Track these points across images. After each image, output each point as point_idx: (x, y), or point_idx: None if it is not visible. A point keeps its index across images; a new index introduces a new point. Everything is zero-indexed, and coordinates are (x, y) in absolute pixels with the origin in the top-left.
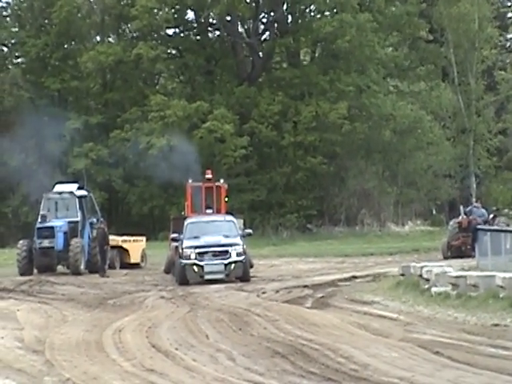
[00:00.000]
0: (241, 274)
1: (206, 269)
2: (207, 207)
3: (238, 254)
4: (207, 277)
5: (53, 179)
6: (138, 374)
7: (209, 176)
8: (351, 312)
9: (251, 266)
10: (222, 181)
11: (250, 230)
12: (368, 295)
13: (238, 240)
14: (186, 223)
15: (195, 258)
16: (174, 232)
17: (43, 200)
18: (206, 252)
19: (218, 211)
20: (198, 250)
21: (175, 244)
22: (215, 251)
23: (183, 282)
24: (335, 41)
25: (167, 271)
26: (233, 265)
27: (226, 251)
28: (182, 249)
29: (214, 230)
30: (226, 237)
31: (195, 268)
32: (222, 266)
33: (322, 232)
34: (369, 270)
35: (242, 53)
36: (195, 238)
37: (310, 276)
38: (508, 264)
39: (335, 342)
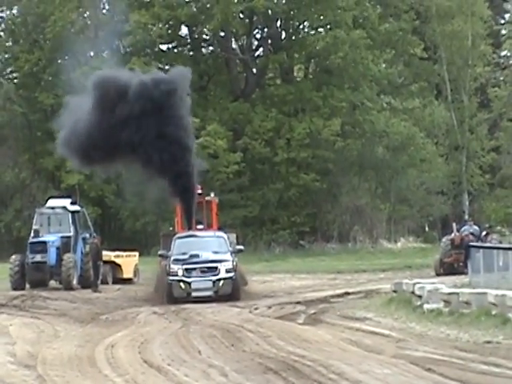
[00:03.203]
0: (229, 292)
1: (194, 285)
2: (198, 222)
3: (228, 271)
4: (194, 294)
5: (46, 194)
6: None
7: (199, 191)
8: (343, 328)
9: (245, 284)
10: (212, 195)
11: (241, 247)
12: (360, 312)
13: (227, 256)
14: (174, 239)
15: (182, 275)
16: (163, 249)
17: (36, 215)
18: (194, 268)
19: (210, 226)
20: (185, 266)
21: (164, 262)
22: (203, 267)
23: (170, 300)
24: (329, 57)
25: (157, 290)
26: (222, 281)
27: (215, 267)
28: (169, 265)
29: (203, 246)
30: (216, 253)
31: (182, 285)
32: (210, 283)
33: (315, 248)
34: (361, 287)
35: (236, 69)
36: (183, 253)
37: (302, 292)
38: (500, 281)
39: (327, 358)
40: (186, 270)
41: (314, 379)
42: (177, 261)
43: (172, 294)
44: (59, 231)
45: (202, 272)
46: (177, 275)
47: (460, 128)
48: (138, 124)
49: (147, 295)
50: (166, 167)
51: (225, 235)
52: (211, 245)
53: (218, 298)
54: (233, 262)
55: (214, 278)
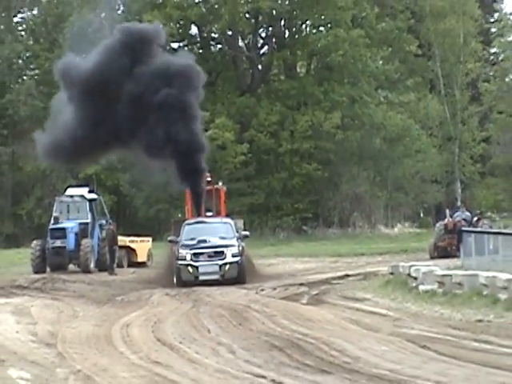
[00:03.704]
0: (235, 275)
1: (201, 269)
2: (207, 210)
3: (234, 255)
4: (202, 277)
5: (65, 183)
6: (144, 366)
7: (208, 179)
8: (344, 308)
9: (252, 267)
10: (220, 183)
11: (247, 232)
12: (359, 292)
13: (233, 241)
14: (183, 225)
15: (190, 259)
16: (174, 234)
17: (56, 203)
18: (202, 253)
19: (218, 213)
20: (193, 251)
21: (174, 247)
22: (210, 252)
23: (179, 283)
24: (329, 54)
25: (167, 273)
26: (228, 265)
27: (222, 252)
28: (178, 250)
29: (210, 232)
30: (222, 238)
31: (190, 269)
32: (217, 267)
33: (317, 233)
34: (360, 269)
35: (242, 65)
36: (191, 239)
37: (305, 274)
38: (491, 263)
39: (329, 336)
40: (194, 254)
41: (317, 356)
42: (185, 246)
43: (180, 278)
44: (77, 218)
45: (209, 256)
46: (185, 259)
47: (452, 120)
48: (132, 101)
49: (159, 277)
50: (171, 150)
51: (231, 221)
52: (218, 230)
53: (225, 281)
54: (239, 246)
55: (221, 262)
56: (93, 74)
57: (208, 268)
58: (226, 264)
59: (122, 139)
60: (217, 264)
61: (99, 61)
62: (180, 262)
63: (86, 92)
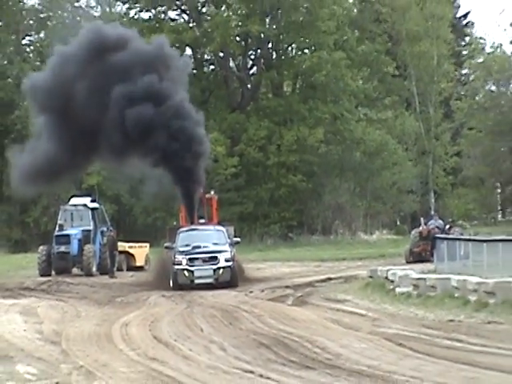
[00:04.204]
0: (229, 279)
1: (196, 274)
2: (200, 217)
3: (227, 260)
4: (197, 281)
5: (69, 193)
6: (141, 362)
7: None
8: (326, 309)
9: (242, 272)
10: (212, 192)
11: (238, 239)
12: (341, 294)
13: (226, 247)
14: (178, 232)
15: (186, 264)
16: (170, 241)
17: (60, 211)
18: (197, 258)
19: (210, 221)
20: (188, 256)
21: (169, 252)
22: (205, 257)
23: (175, 286)
24: (313, 75)
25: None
26: (221, 270)
27: (215, 257)
28: (175, 255)
29: (204, 239)
30: (216, 244)
31: (186, 273)
32: (211, 271)
33: (302, 240)
34: (342, 273)
35: (233, 85)
36: (186, 245)
37: (291, 278)
38: (462, 268)
39: (312, 334)
40: (190, 259)
41: (301, 353)
42: (181, 252)
43: (177, 281)
44: (81, 225)
45: (204, 261)
46: (181, 264)
47: (427, 135)
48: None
49: (153, 280)
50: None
51: (223, 228)
52: (211, 237)
53: (218, 284)
54: (231, 252)
55: (215, 266)
56: (70, 93)
57: (203, 272)
58: (219, 268)
59: (108, 150)
60: (211, 268)
61: (73, 74)
62: (176, 267)
63: (62, 110)
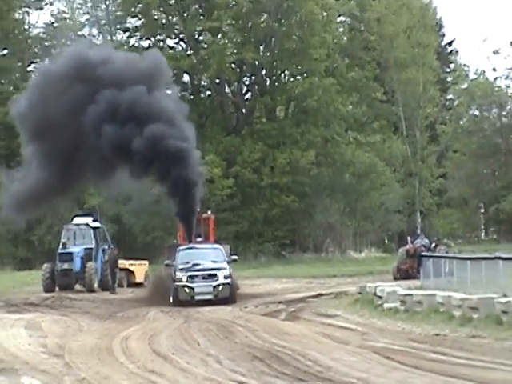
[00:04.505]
0: (228, 295)
1: (197, 290)
2: (197, 235)
3: (225, 277)
4: (197, 297)
5: (72, 213)
6: (141, 375)
7: (198, 209)
8: (317, 323)
9: (237, 289)
10: (209, 212)
11: (235, 257)
12: (331, 310)
13: (224, 265)
14: (177, 250)
15: (186, 281)
16: (168, 258)
17: (64, 230)
18: (197, 275)
19: (207, 239)
20: (189, 274)
21: (168, 270)
22: (204, 274)
23: (176, 302)
24: (305, 100)
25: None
26: (220, 286)
27: (215, 274)
28: (175, 273)
29: (203, 257)
30: (214, 262)
31: (186, 289)
32: (211, 288)
33: (294, 258)
34: (332, 289)
35: (229, 109)
36: (186, 263)
37: (283, 294)
38: (447, 284)
39: (304, 348)
40: (190, 276)
41: (293, 365)
42: (181, 269)
43: (178, 298)
44: (83, 244)
45: (204, 278)
46: (181, 281)
47: (413, 158)
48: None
49: (151, 296)
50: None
51: (221, 247)
52: (210, 255)
53: (218, 300)
54: (229, 269)
55: (214, 283)
56: (59, 114)
57: (203, 289)
58: (219, 285)
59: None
60: (211, 285)
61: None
62: (177, 284)
63: (47, 135)
